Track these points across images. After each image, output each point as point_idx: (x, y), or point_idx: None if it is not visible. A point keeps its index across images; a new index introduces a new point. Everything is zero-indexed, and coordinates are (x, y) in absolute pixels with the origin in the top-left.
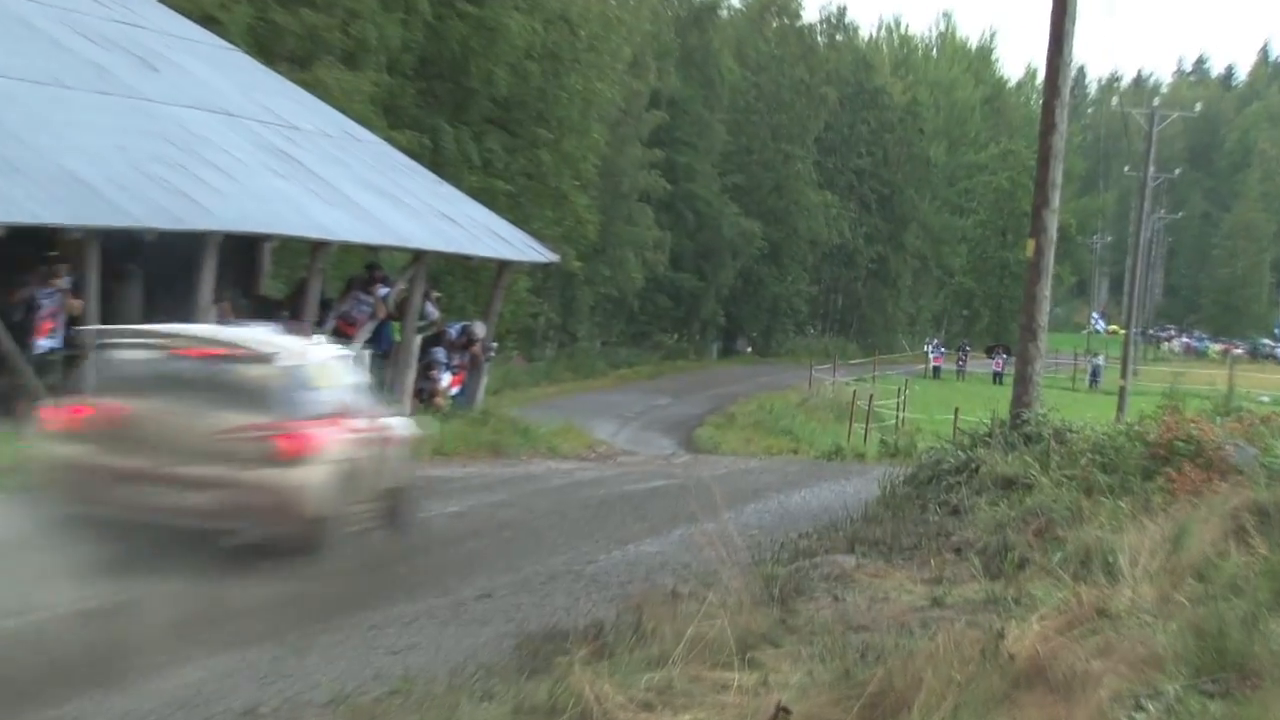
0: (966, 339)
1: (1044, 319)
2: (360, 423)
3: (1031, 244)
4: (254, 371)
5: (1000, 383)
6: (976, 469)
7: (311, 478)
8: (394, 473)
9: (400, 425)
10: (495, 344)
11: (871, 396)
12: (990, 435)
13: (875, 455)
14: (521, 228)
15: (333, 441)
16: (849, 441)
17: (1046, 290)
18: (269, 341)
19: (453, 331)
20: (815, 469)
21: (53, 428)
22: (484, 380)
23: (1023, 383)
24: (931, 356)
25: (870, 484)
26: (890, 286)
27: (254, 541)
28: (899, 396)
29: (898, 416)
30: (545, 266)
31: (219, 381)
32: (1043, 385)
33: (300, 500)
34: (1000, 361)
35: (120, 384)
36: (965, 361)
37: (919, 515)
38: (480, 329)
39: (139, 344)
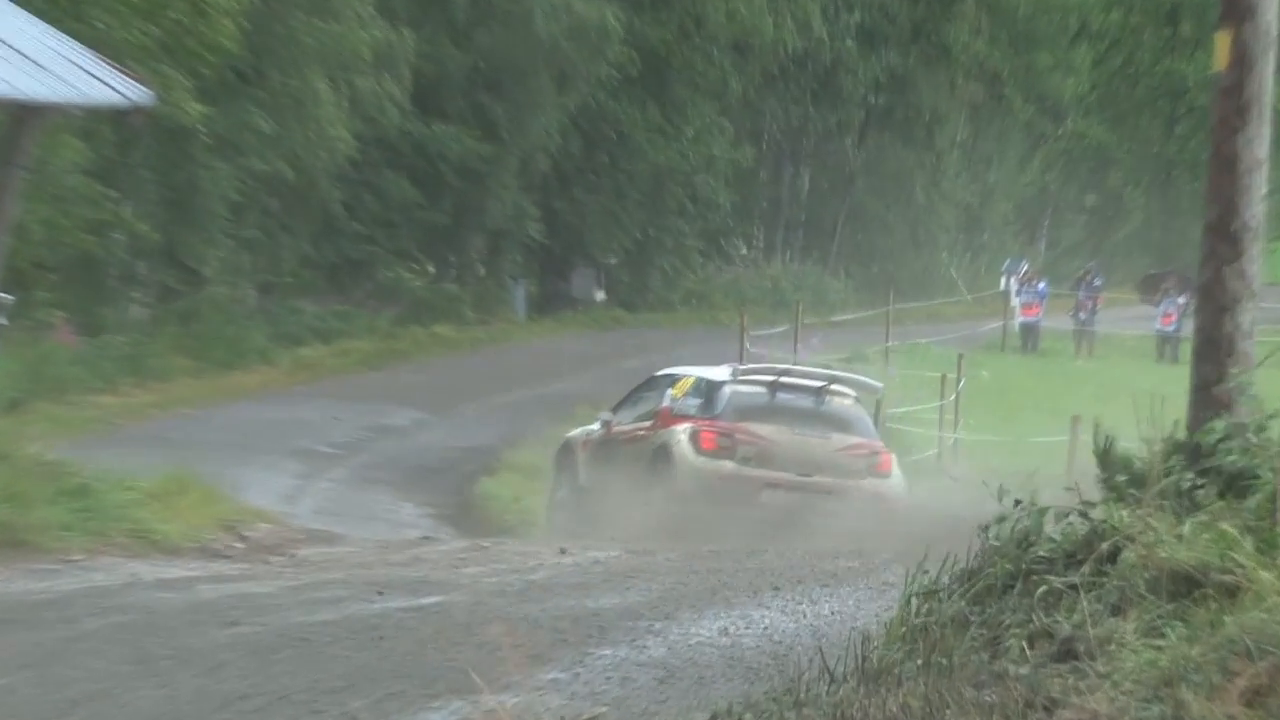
0: (1094, 262)
1: (1257, 214)
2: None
3: (1224, 44)
4: (845, 403)
5: (1174, 357)
6: (1114, 555)
7: (897, 487)
8: None
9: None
10: (7, 297)
11: (879, 402)
12: (1146, 476)
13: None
14: (67, 30)
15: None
16: None
17: (1262, 149)
18: (844, 378)
19: None
20: (751, 564)
21: (704, 446)
22: None
23: (1214, 355)
24: (1017, 302)
25: (878, 594)
26: (919, 146)
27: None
28: (943, 396)
29: (941, 440)
30: (123, 117)
31: (821, 411)
32: (1259, 359)
33: (894, 503)
34: (1172, 311)
35: (744, 412)
36: (1093, 309)
37: (981, 663)
38: None
39: (754, 379)
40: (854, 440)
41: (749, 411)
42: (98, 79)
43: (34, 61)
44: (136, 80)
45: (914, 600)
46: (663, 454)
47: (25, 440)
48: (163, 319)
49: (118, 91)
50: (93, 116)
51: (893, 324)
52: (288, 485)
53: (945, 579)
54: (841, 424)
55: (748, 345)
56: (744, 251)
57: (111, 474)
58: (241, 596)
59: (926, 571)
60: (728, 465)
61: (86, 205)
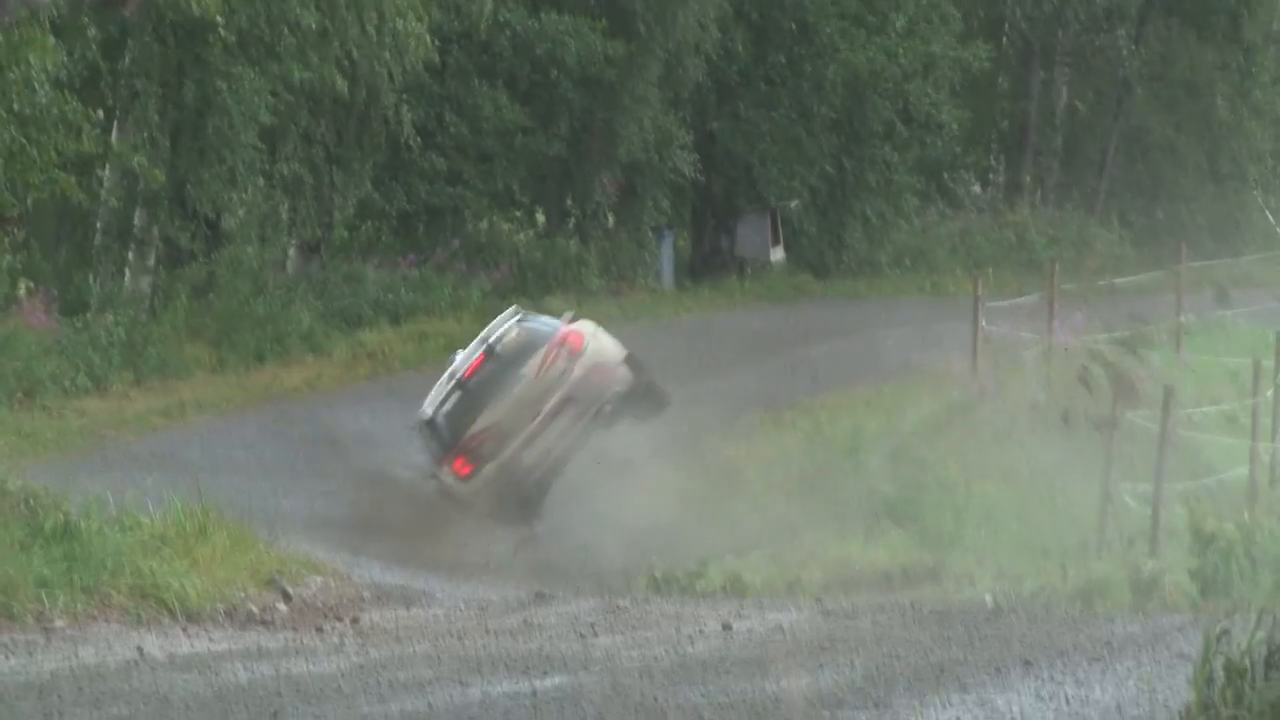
0: None
1: None
2: None
3: None
4: (513, 335)
5: None
6: None
7: (600, 348)
8: None
9: None
10: None
11: (1169, 391)
12: None
13: (1188, 581)
14: None
15: (585, 324)
16: (1100, 536)
17: None
18: (493, 329)
19: None
20: (991, 630)
21: (464, 475)
22: None
23: None
24: None
25: (1169, 670)
26: (1221, 41)
27: (620, 403)
28: (1257, 392)
29: (1255, 452)
30: (112, 6)
31: (503, 358)
32: None
33: (611, 357)
34: None
35: (462, 421)
36: None
37: None
38: None
39: (445, 397)
40: (540, 355)
41: (464, 418)
42: None
43: None
44: None
45: (1216, 680)
46: (451, 499)
47: None
48: (170, 291)
49: None
50: (71, 7)
51: (1186, 290)
52: (348, 523)
53: (1261, 649)
54: (523, 353)
55: (983, 322)
56: (977, 191)
57: (104, 508)
58: (287, 680)
59: (1228, 634)
60: (489, 468)
61: (63, 131)
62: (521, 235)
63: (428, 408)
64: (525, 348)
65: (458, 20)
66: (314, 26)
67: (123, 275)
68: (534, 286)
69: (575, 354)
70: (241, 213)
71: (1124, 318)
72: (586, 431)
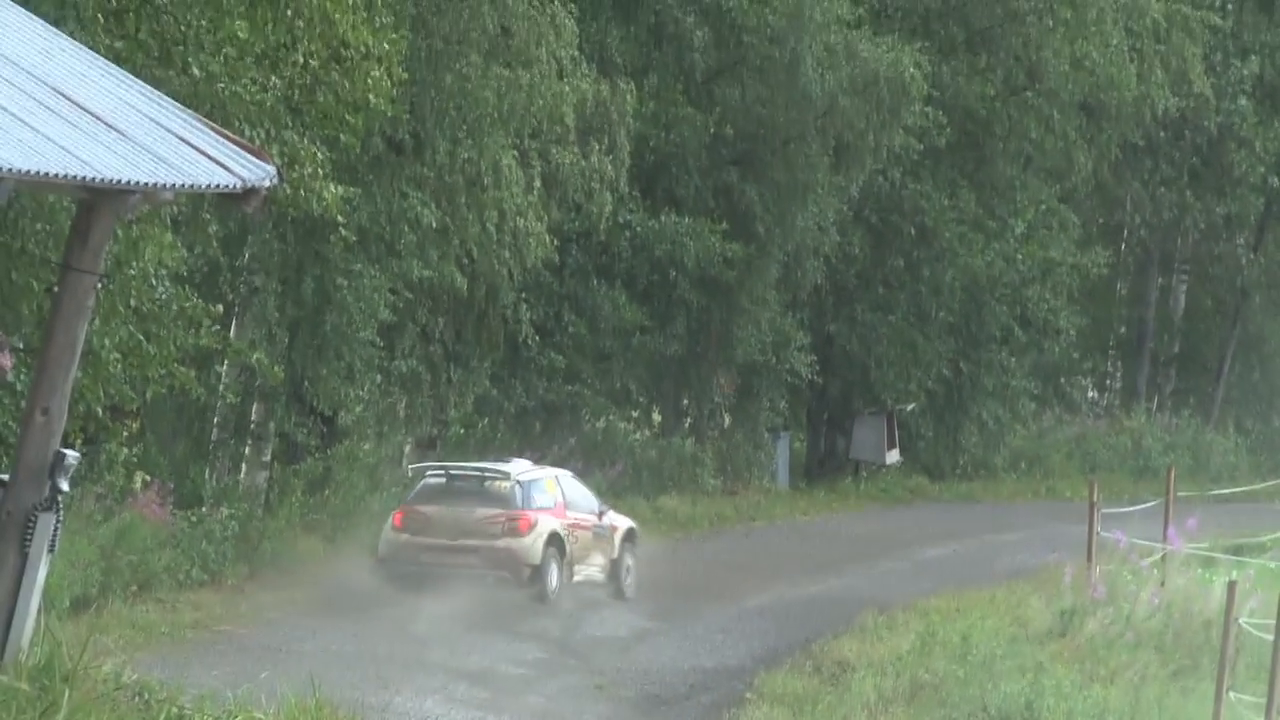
0: None
1: None
2: (577, 515)
3: None
4: (501, 484)
5: None
6: None
7: (527, 543)
8: (613, 549)
9: (621, 521)
10: (71, 454)
11: None
12: None
13: None
14: (152, 81)
15: (547, 524)
16: None
17: None
18: (490, 467)
19: None
20: None
21: (395, 525)
22: (41, 574)
23: None
24: None
25: None
26: None
27: (504, 579)
28: None
29: None
30: (233, 204)
31: (480, 491)
32: None
33: (527, 557)
34: None
35: (427, 496)
36: None
37: None
38: None
39: (437, 473)
40: (496, 511)
41: (430, 496)
42: (199, 151)
43: (110, 126)
44: (253, 153)
45: None
46: (381, 532)
47: (98, 653)
48: (285, 485)
49: (226, 169)
50: (192, 203)
51: None
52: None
53: None
54: (493, 500)
55: (1098, 528)
56: (1094, 396)
57: (218, 702)
58: None
59: None
60: (404, 536)
61: (182, 326)
62: (637, 434)
63: (429, 465)
64: (500, 497)
65: (577, 220)
66: (434, 224)
67: (238, 469)
68: (649, 485)
69: (515, 531)
70: (358, 409)
71: (1239, 526)
72: (459, 577)
